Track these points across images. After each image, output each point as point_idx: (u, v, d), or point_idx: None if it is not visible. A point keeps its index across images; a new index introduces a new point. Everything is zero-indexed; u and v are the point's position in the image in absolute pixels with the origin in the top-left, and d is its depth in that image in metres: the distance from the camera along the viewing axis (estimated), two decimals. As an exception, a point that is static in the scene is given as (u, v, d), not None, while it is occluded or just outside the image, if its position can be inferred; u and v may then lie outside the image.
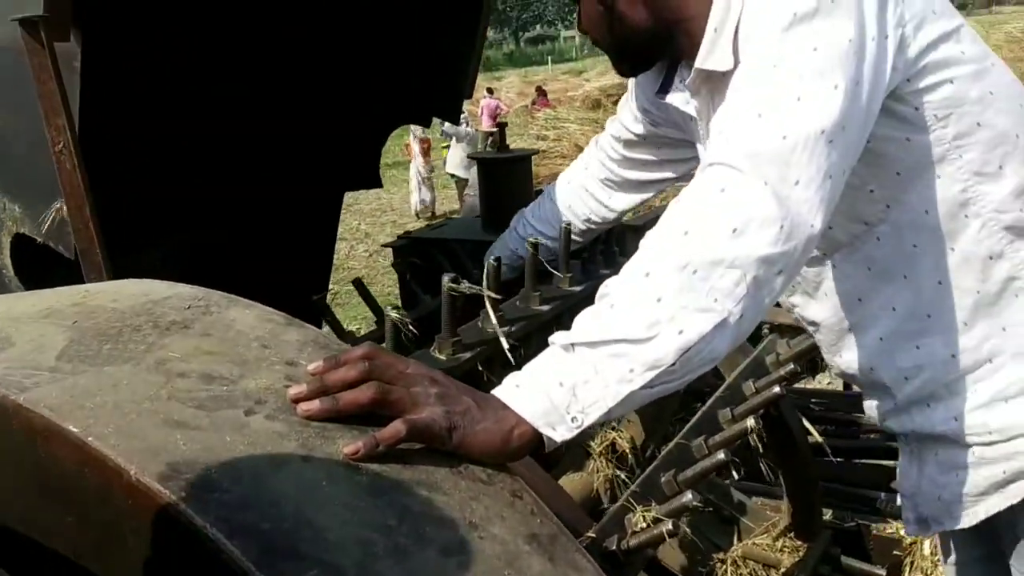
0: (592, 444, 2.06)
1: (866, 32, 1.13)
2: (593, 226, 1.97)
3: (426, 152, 12.22)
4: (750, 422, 1.51)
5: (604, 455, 2.05)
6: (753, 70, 1.16)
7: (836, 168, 1.10)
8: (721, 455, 1.41)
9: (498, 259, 1.58)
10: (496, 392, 1.04)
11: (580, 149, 8.90)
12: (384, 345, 1.46)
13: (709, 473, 1.44)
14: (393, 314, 1.40)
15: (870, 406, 1.48)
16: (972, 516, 1.35)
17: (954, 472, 1.35)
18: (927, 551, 1.90)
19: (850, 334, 1.41)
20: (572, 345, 1.03)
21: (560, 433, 1.01)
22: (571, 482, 2.00)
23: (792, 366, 1.73)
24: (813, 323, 1.49)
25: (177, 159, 1.99)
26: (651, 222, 2.60)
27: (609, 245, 2.05)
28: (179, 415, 0.86)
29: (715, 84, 1.32)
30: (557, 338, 1.06)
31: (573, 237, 1.90)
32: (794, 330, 2.12)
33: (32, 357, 0.92)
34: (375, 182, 2.46)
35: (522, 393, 1.02)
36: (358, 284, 2.05)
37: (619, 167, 1.87)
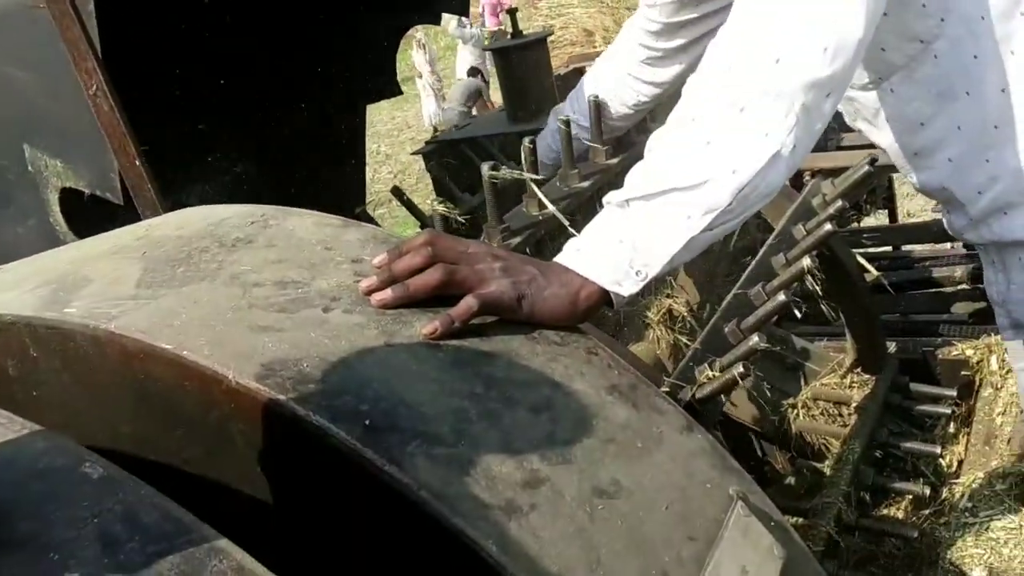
0: (650, 313, 2.09)
1: None
2: (644, 107, 1.96)
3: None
4: (806, 262, 1.53)
5: (663, 322, 2.08)
6: None
7: None
8: (781, 296, 1.43)
9: (533, 141, 1.58)
10: (558, 259, 1.06)
11: (589, 34, 8.61)
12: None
13: (771, 316, 1.46)
14: (440, 208, 1.42)
15: (947, 220, 1.47)
16: None
17: None
18: (995, 366, 1.92)
19: (917, 158, 1.40)
20: (627, 201, 1.04)
21: (627, 288, 1.03)
22: (635, 352, 2.04)
23: (840, 203, 1.73)
24: (880, 148, 1.49)
25: (199, 94, 1.99)
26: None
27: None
28: (262, 320, 0.90)
29: None
30: (611, 197, 1.07)
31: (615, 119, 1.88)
32: (835, 172, 2.11)
33: (112, 289, 0.96)
34: (394, 90, 2.45)
35: (584, 255, 1.04)
36: (396, 191, 2.07)
37: (660, 40, 1.83)
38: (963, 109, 1.29)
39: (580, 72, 3.14)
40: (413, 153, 2.53)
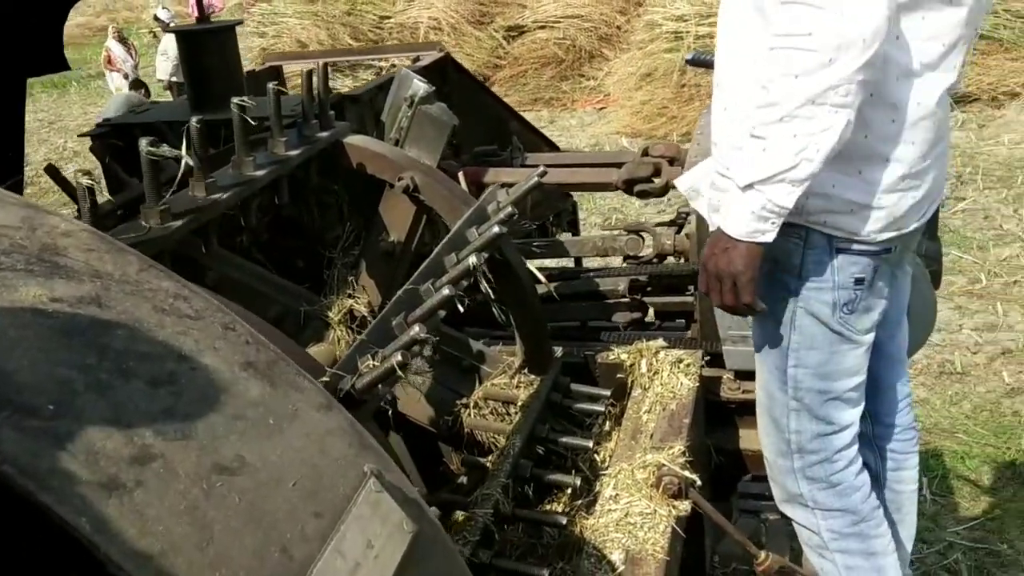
0: (331, 313, 2.07)
1: None
2: None
3: (108, 61, 11.26)
4: (472, 259, 1.58)
5: (343, 322, 2.07)
6: None
7: None
8: (446, 291, 1.46)
9: (201, 120, 1.50)
10: None
11: (303, 45, 8.48)
12: (81, 214, 1.36)
13: (436, 310, 1.49)
14: (85, 180, 1.31)
15: None
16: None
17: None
18: (644, 369, 2.10)
19: None
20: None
21: None
22: (318, 352, 2.00)
23: (510, 209, 1.81)
24: None
25: None
26: (370, 91, 2.59)
27: (324, 111, 2.00)
28: None
29: None
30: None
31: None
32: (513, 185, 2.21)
33: None
34: (60, 65, 2.25)
35: None
36: (50, 170, 1.88)
37: None
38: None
39: (276, 70, 3.07)
40: (80, 135, 2.33)
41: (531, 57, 10.73)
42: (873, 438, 1.83)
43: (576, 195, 6.03)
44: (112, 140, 2.08)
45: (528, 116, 10.17)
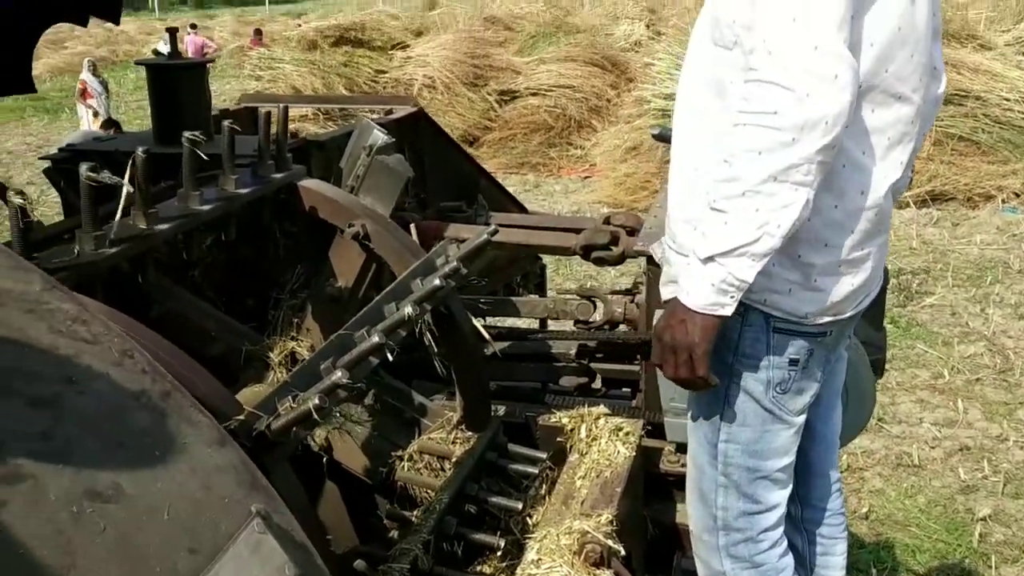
0: (272, 354, 2.05)
1: None
2: None
3: (82, 94, 11.29)
4: (408, 309, 1.58)
5: (284, 364, 2.05)
6: None
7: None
8: (376, 338, 1.46)
9: (147, 150, 1.51)
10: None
11: (296, 90, 8.55)
12: (11, 237, 1.35)
13: (365, 356, 1.48)
14: (16, 199, 1.30)
15: None
16: None
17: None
18: (583, 434, 2.08)
19: None
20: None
21: None
22: (253, 393, 1.97)
23: (455, 264, 1.81)
24: None
25: None
26: (337, 138, 2.61)
27: (281, 152, 2.01)
28: None
29: None
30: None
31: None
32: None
33: None
34: (27, 87, 2.26)
35: None
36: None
37: None
38: None
39: (252, 111, 3.09)
40: (40, 159, 2.33)
41: (521, 122, 10.88)
42: (802, 521, 1.82)
43: (553, 260, 6.05)
44: (67, 166, 2.08)
45: (514, 179, 10.24)
